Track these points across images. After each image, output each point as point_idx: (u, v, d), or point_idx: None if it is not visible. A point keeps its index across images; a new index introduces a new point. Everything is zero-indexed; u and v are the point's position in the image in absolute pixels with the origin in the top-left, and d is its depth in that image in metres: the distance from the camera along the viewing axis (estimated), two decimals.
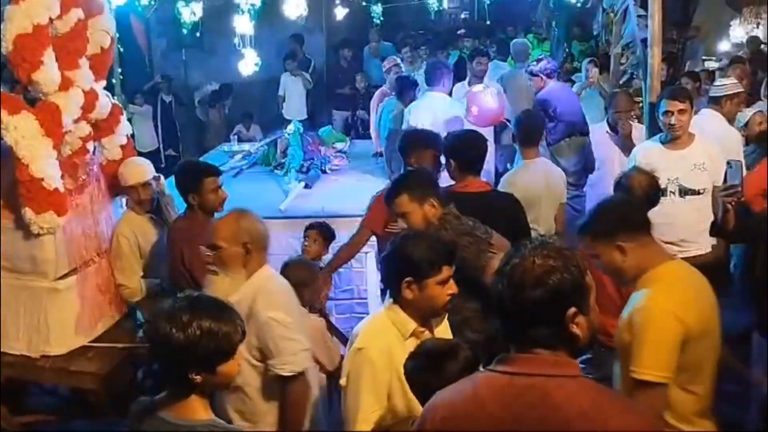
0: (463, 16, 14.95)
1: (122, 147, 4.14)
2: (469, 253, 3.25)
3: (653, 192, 3.68)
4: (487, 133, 5.62)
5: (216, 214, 3.99)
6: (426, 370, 2.33)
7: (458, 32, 12.42)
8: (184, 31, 6.12)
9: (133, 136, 8.44)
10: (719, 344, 2.58)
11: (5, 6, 3.38)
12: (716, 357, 2.55)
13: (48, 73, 3.46)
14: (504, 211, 3.80)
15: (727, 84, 5.28)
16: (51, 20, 3.48)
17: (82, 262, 3.84)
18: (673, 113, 4.38)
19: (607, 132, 5.56)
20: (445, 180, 4.13)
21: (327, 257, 4.47)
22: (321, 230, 4.46)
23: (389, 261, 2.67)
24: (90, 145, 3.89)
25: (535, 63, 6.33)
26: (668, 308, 2.41)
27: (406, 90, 6.45)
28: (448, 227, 3.28)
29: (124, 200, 4.50)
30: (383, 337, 2.53)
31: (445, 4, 10.86)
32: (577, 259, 1.78)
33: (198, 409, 2.07)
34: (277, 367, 2.86)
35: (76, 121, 3.69)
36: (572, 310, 1.71)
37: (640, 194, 3.60)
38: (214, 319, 2.05)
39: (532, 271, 1.70)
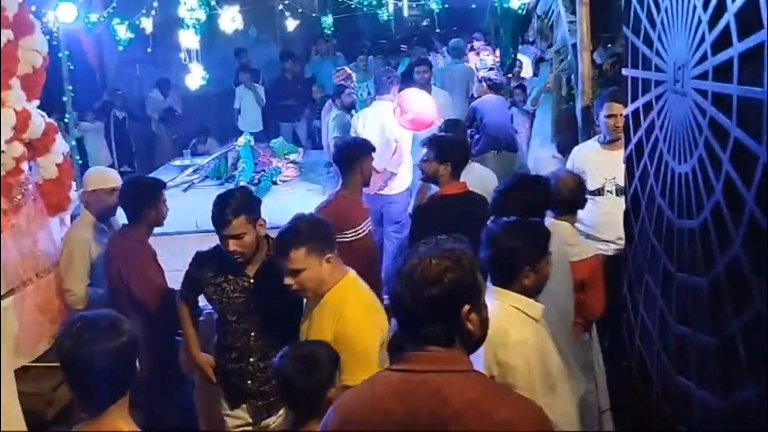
0: (424, 23, 15.05)
1: (58, 166, 4.13)
2: None
3: (580, 194, 3.75)
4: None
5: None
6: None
7: (414, 39, 12.53)
8: (121, 47, 6.08)
9: (86, 153, 8.43)
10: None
11: None
12: None
13: None
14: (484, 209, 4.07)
15: None
16: None
17: (20, 283, 3.83)
18: (616, 116, 4.49)
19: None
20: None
21: None
22: None
23: (502, 255, 2.67)
24: (24, 165, 3.88)
25: (485, 70, 6.45)
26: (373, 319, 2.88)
27: (345, 97, 6.55)
28: None
29: (67, 218, 4.51)
30: (525, 324, 2.57)
31: (406, 12, 10.99)
32: (470, 257, 1.84)
33: (120, 422, 2.08)
34: None
35: (8, 142, 3.68)
36: (466, 307, 1.79)
37: (566, 196, 3.69)
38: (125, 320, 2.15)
39: (429, 270, 1.77)
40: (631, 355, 1.55)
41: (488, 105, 5.98)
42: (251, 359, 3.38)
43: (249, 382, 3.40)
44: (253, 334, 3.38)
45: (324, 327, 2.92)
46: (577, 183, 3.77)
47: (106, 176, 4.36)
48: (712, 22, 0.99)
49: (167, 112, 10.14)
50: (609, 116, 4.53)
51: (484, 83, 6.08)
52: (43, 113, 4.03)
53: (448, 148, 4.14)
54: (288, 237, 2.93)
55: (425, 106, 5.87)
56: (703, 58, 1.01)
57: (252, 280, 3.40)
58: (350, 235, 4.37)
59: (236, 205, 3.28)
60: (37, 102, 3.99)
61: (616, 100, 4.52)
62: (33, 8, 4.25)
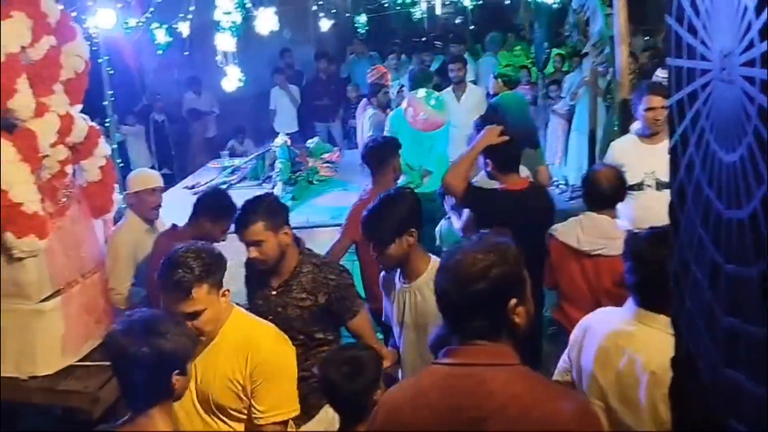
0: (457, 20, 15.01)
1: (101, 168, 4.21)
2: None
3: (620, 187, 3.72)
4: None
5: None
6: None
7: (449, 36, 12.52)
8: (159, 52, 6.19)
9: (126, 156, 8.58)
10: None
11: None
12: None
13: (23, 100, 3.54)
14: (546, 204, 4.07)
15: (663, 77, 5.36)
16: (23, 48, 3.57)
17: (66, 284, 3.90)
18: (656, 109, 4.44)
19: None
20: None
21: None
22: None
23: (663, 272, 2.12)
24: (69, 168, 3.95)
25: (502, 67, 6.42)
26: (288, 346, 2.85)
27: (381, 96, 6.56)
28: (314, 259, 3.35)
29: (110, 220, 4.61)
30: None
31: (438, 10, 10.98)
32: (514, 251, 1.84)
33: (161, 425, 2.12)
34: None
35: (53, 146, 3.75)
36: (513, 301, 1.78)
37: (606, 189, 3.66)
38: (177, 324, 2.20)
39: (474, 265, 1.77)
40: (677, 348, 1.52)
41: (509, 102, 5.94)
42: None
43: None
44: None
45: (228, 369, 2.66)
46: (617, 176, 3.74)
47: (148, 177, 4.49)
48: (759, 8, 0.98)
49: (190, 113, 10.27)
50: (648, 109, 4.48)
51: (499, 80, 6.04)
52: (86, 117, 4.11)
53: (491, 145, 4.09)
54: (185, 275, 2.49)
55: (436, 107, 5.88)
56: (751, 45, 1.00)
57: (274, 293, 3.33)
58: None
59: (257, 211, 3.20)
60: (80, 106, 4.06)
61: (655, 93, 4.47)
62: (73, 14, 4.35)
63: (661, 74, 5.39)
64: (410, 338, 3.16)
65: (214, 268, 2.56)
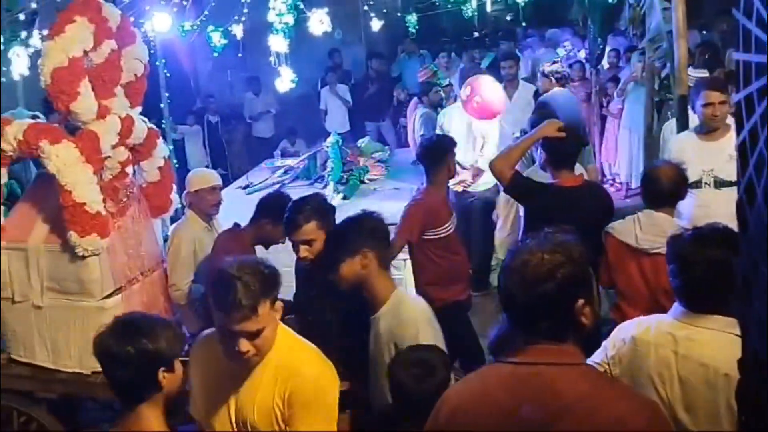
0: (508, 17, 14.92)
1: (160, 169, 4.31)
2: None
3: (681, 185, 3.65)
4: None
5: None
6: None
7: (499, 33, 12.46)
8: (215, 54, 6.29)
9: (183, 156, 8.75)
10: None
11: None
12: None
13: (85, 103, 3.65)
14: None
15: (694, 76, 5.23)
16: (86, 53, 3.68)
17: (127, 281, 4.00)
18: (714, 104, 4.37)
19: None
20: None
21: None
22: None
23: (714, 273, 2.23)
24: (129, 169, 4.07)
25: (549, 64, 6.31)
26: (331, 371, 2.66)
27: (432, 95, 6.56)
28: None
29: (168, 220, 4.72)
30: None
31: (489, 7, 10.92)
32: (580, 249, 1.80)
33: (152, 420, 2.19)
34: None
35: (114, 147, 3.86)
36: (581, 301, 1.76)
37: (666, 187, 3.59)
38: (162, 324, 2.28)
39: (542, 266, 1.74)
40: (744, 349, 1.47)
41: (559, 98, 5.84)
42: None
43: None
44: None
45: (268, 393, 2.46)
46: (678, 174, 3.67)
47: (207, 176, 4.61)
48: None
49: (237, 116, 10.42)
50: (706, 105, 4.39)
51: (552, 77, 5.94)
52: (145, 119, 4.21)
53: (550, 140, 4.04)
54: (248, 293, 2.29)
55: (495, 96, 5.81)
56: None
57: (314, 293, 3.36)
58: (441, 231, 4.39)
59: (308, 211, 3.24)
60: (139, 108, 4.17)
61: (713, 88, 4.39)
62: (131, 18, 4.46)
63: (693, 73, 5.27)
64: (370, 374, 2.98)
65: (272, 282, 2.38)
